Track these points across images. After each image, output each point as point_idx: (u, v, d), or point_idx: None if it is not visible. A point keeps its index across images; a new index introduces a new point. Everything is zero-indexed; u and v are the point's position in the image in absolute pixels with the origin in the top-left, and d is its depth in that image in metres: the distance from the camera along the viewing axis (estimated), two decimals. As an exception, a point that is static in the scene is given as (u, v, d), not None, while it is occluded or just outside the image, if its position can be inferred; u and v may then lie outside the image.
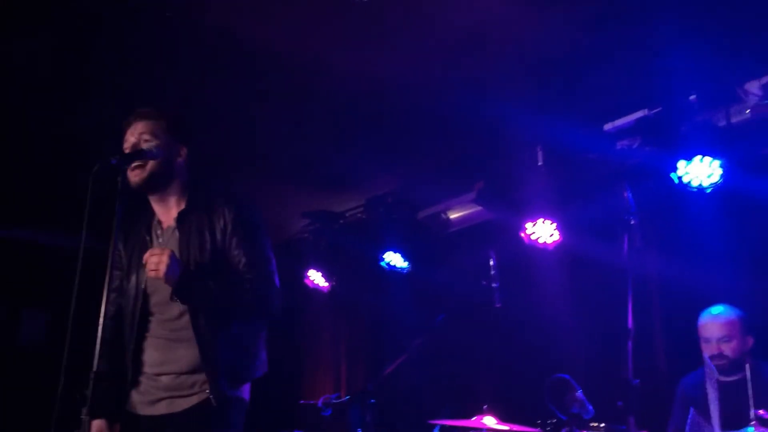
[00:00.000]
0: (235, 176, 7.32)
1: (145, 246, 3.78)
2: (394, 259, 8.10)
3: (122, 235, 3.89)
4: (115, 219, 3.32)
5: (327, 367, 9.67)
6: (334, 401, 6.89)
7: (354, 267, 8.88)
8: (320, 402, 6.97)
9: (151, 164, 3.68)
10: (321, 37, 5.36)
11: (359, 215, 8.50)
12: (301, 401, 8.44)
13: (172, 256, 3.48)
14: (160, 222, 3.85)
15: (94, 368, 3.11)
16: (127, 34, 5.33)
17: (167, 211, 3.83)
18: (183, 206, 3.80)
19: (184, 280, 3.50)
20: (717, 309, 5.45)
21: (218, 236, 3.70)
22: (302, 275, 8.73)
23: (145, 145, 3.69)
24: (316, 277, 8.77)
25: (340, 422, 7.33)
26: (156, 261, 3.46)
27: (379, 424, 6.04)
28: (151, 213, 3.89)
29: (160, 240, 3.81)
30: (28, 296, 9.60)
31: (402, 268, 8.14)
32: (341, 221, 8.70)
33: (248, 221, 3.77)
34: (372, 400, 5.83)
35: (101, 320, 3.21)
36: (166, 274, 3.45)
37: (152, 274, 3.50)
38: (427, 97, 6.03)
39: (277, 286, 3.74)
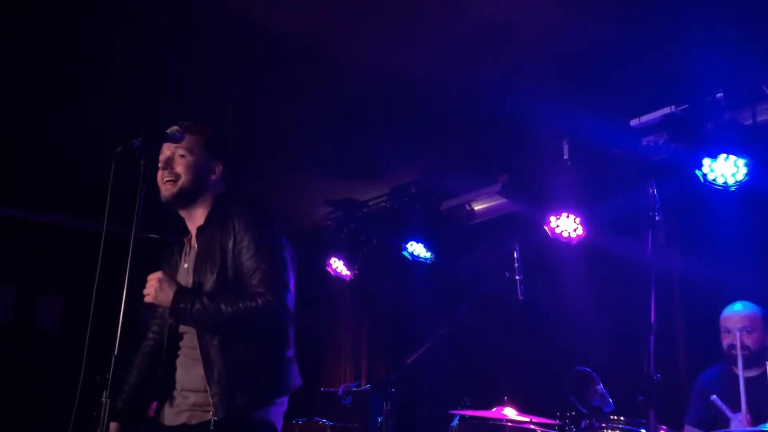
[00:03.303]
0: (260, 165, 7.35)
1: (176, 264, 3.83)
2: (417, 248, 8.13)
3: (166, 255, 3.91)
4: (138, 202, 3.26)
5: (347, 356, 9.71)
6: (355, 389, 6.95)
7: (376, 256, 8.89)
8: (340, 390, 7.03)
9: (182, 180, 3.70)
10: (348, 28, 5.39)
11: (383, 204, 8.51)
12: (322, 389, 8.50)
13: (162, 279, 3.50)
14: (189, 239, 3.85)
15: (116, 352, 3.10)
16: (154, 22, 5.37)
17: (194, 225, 3.82)
18: (203, 220, 3.79)
19: (176, 301, 3.48)
20: (739, 304, 5.51)
21: (229, 250, 3.64)
22: (324, 263, 8.76)
23: (179, 161, 3.71)
24: (338, 265, 8.80)
25: (361, 410, 7.39)
26: (148, 286, 3.52)
27: (399, 413, 6.08)
28: (186, 229, 3.89)
29: (186, 258, 3.82)
30: (44, 282, 9.62)
31: (425, 258, 8.16)
32: (364, 210, 8.72)
33: (258, 232, 3.66)
34: (393, 389, 5.85)
35: (123, 305, 3.17)
36: (156, 297, 3.50)
37: (146, 299, 3.54)
38: (453, 88, 6.05)
39: (285, 300, 3.59)
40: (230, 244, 3.64)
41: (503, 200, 7.43)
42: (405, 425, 7.61)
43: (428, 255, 8.16)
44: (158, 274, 3.53)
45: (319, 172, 7.88)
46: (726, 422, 5.23)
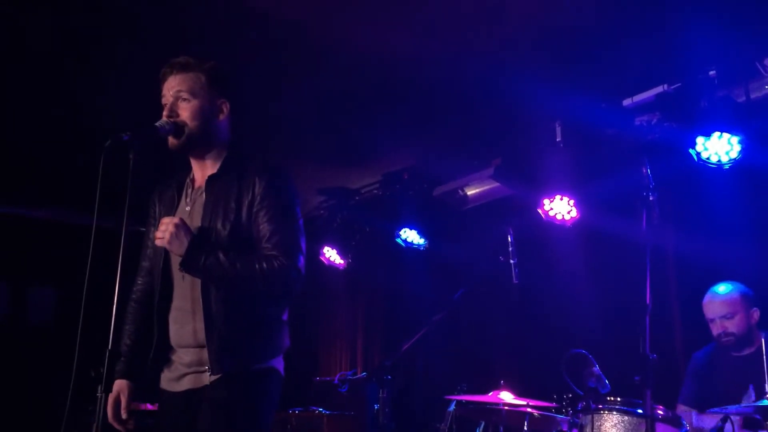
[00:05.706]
0: (249, 152, 7.30)
1: (173, 203, 3.66)
2: (410, 235, 8.11)
3: (158, 189, 3.77)
4: (127, 196, 3.16)
5: (343, 344, 9.70)
6: (351, 378, 6.92)
7: (370, 244, 8.89)
8: (336, 379, 7.00)
9: (188, 128, 3.50)
10: (337, 10, 5.34)
11: (375, 191, 8.50)
12: (318, 378, 8.49)
13: (179, 226, 3.36)
14: (193, 180, 3.68)
15: (110, 345, 3.03)
16: (140, 11, 5.33)
17: (202, 171, 3.64)
18: (217, 169, 3.61)
19: (191, 251, 3.34)
20: (717, 287, 5.53)
21: (245, 207, 3.48)
22: (317, 252, 8.73)
23: (182, 106, 3.51)
24: (331, 254, 8.78)
25: (357, 398, 7.38)
26: (162, 229, 3.37)
27: (395, 400, 6.05)
28: (189, 168, 3.71)
29: (188, 199, 3.63)
30: (35, 274, 9.60)
31: (418, 245, 8.14)
32: (357, 198, 8.71)
33: (279, 195, 3.53)
34: (389, 377, 5.82)
35: (115, 299, 3.09)
36: (171, 243, 3.35)
37: (158, 242, 3.40)
38: (444, 71, 6.01)
39: (300, 266, 3.49)
40: (247, 201, 3.50)
41: (496, 184, 7.38)
42: (402, 412, 7.58)
43: (422, 241, 8.14)
44: (176, 220, 3.38)
45: (310, 160, 7.85)
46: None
